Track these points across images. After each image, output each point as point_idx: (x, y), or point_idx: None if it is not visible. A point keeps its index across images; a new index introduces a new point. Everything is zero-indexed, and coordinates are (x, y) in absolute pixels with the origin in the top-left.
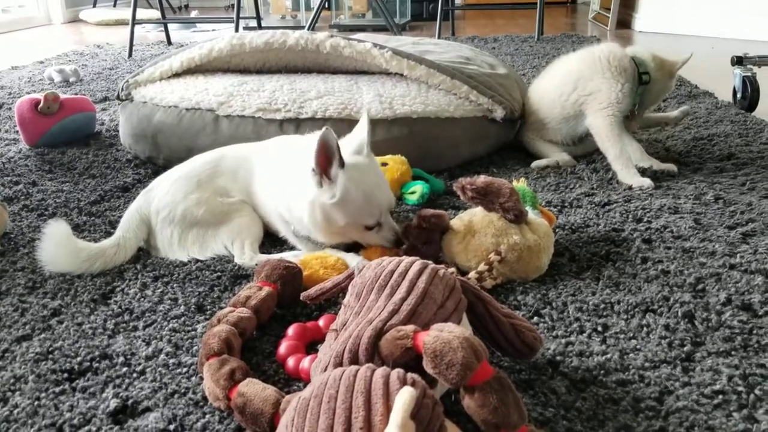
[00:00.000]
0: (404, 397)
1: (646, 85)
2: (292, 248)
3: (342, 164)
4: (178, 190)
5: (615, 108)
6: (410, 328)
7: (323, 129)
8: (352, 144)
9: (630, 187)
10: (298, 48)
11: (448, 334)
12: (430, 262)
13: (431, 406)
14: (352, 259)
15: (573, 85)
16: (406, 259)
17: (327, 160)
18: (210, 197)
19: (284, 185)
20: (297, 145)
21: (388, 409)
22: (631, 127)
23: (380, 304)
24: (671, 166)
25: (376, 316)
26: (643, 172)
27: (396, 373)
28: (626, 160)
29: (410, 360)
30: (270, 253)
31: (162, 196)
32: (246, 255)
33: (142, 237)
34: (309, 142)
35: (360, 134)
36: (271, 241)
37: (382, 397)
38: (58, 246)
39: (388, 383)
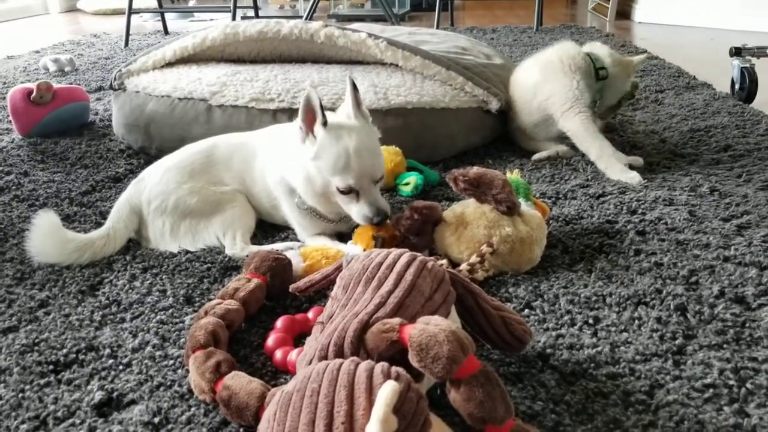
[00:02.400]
0: (386, 391)
1: (604, 81)
2: (284, 240)
3: (325, 123)
4: (170, 179)
5: (579, 105)
6: (396, 321)
7: (307, 88)
8: (343, 110)
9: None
10: (292, 37)
11: (434, 328)
12: (418, 254)
13: (415, 400)
14: (352, 250)
15: (532, 92)
16: (395, 251)
17: (312, 118)
18: (203, 187)
19: (289, 151)
20: None
21: (370, 403)
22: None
23: (367, 297)
24: (638, 159)
25: (362, 309)
26: None
27: (380, 366)
28: (608, 158)
29: (396, 353)
30: (262, 244)
31: (154, 186)
32: (237, 246)
33: (133, 228)
34: None
35: (347, 100)
36: (263, 232)
37: (365, 391)
38: (46, 237)
39: (371, 377)
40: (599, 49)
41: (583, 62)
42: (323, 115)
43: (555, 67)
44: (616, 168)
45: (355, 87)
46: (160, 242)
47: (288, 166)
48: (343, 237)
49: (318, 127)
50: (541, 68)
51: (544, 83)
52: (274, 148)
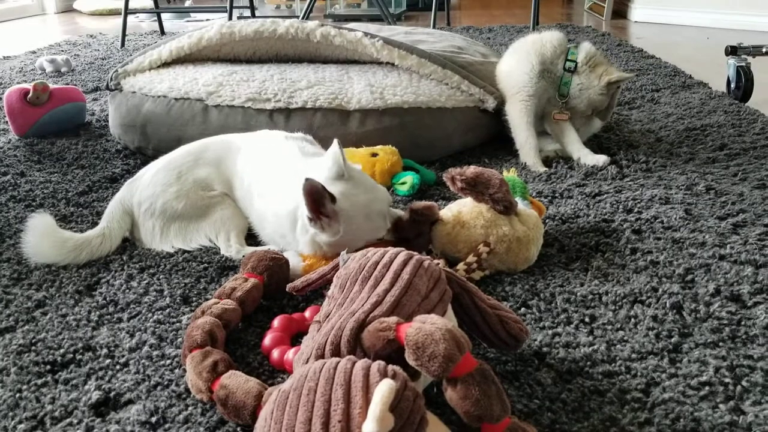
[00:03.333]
0: (383, 390)
1: (571, 74)
2: None
3: (333, 199)
4: (158, 182)
5: (525, 92)
6: (393, 319)
7: (304, 181)
8: (329, 169)
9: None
10: (288, 37)
11: (430, 326)
12: (414, 253)
13: (412, 398)
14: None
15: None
16: (391, 250)
17: (318, 204)
18: (190, 190)
19: (275, 209)
20: (284, 170)
21: (367, 401)
22: (573, 120)
23: (364, 296)
24: (603, 159)
25: (359, 308)
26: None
27: (376, 365)
28: (530, 149)
29: (393, 352)
30: (259, 245)
31: (143, 188)
32: (233, 248)
33: (126, 227)
34: (296, 166)
35: (334, 158)
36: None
37: (361, 389)
38: (43, 237)
39: (368, 375)
40: (585, 46)
41: (551, 50)
42: (330, 195)
43: (520, 50)
44: (532, 161)
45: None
46: (152, 244)
47: (281, 230)
48: None
49: (330, 207)
50: (511, 51)
51: (508, 63)
52: (260, 195)
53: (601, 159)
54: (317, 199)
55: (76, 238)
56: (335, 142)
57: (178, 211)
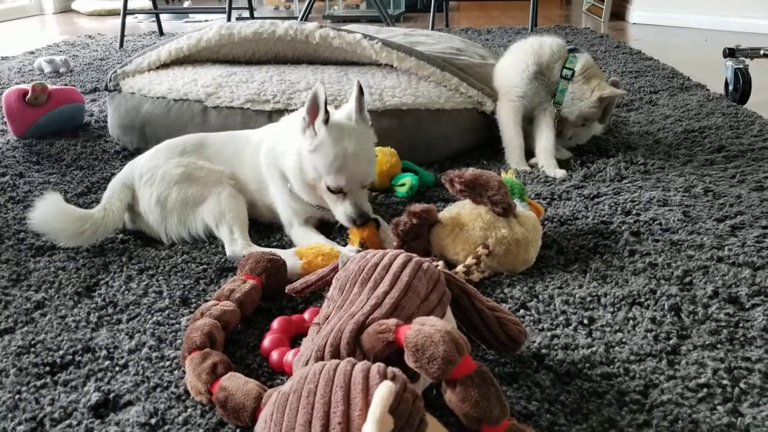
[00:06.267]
0: (382, 392)
1: (568, 82)
2: (279, 241)
3: (326, 121)
4: (161, 156)
5: (515, 93)
6: (392, 321)
7: (317, 84)
8: (345, 110)
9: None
10: (287, 38)
11: (429, 328)
12: (414, 255)
13: (411, 400)
14: (348, 252)
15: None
16: (390, 252)
17: (316, 112)
18: (191, 162)
19: (286, 138)
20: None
21: (367, 403)
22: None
23: (363, 298)
24: (561, 174)
25: (358, 310)
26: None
27: (376, 367)
28: (514, 148)
29: (392, 354)
30: (258, 244)
31: (145, 163)
32: (238, 242)
33: (127, 201)
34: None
35: (351, 102)
36: (259, 232)
37: (361, 391)
38: (48, 208)
39: (368, 377)
40: (584, 57)
41: (549, 53)
42: (326, 113)
43: (519, 50)
44: (514, 160)
45: (361, 91)
46: (150, 216)
47: (284, 152)
48: (331, 228)
49: (319, 123)
50: (510, 51)
51: (505, 62)
52: (273, 134)
53: (559, 173)
54: (316, 105)
55: (80, 210)
56: (355, 83)
57: (176, 178)
